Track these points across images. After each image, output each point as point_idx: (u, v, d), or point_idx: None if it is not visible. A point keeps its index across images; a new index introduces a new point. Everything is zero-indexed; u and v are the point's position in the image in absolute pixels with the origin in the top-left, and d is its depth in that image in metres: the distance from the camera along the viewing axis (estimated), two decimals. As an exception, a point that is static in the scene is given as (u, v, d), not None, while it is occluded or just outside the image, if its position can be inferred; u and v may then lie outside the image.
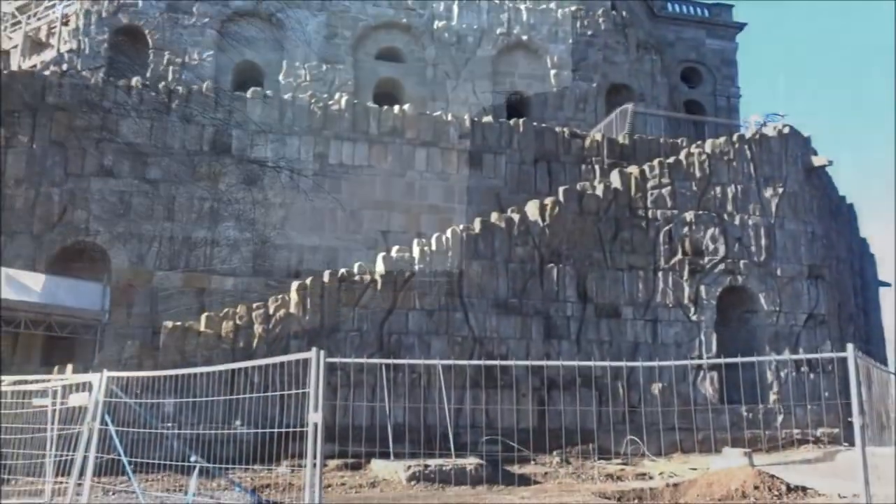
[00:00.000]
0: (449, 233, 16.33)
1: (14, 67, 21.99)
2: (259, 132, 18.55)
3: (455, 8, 26.56)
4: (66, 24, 24.68)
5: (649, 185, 18.14)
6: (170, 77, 23.00)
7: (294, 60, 24.68)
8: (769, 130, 20.12)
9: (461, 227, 16.67)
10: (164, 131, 18.10)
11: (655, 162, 18.59)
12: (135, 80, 18.63)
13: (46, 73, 18.82)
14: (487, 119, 20.59)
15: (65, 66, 22.12)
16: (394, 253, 16.04)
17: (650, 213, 17.97)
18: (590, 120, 25.92)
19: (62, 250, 17.18)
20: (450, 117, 20.05)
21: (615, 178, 18.18)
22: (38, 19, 26.20)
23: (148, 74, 22.69)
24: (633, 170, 18.41)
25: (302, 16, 25.07)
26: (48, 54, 24.16)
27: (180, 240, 17.53)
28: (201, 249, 17.59)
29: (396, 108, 19.95)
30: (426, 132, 19.61)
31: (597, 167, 20.28)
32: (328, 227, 18.48)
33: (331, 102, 19.48)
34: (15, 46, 25.36)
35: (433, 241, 16.23)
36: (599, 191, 17.76)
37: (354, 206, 18.71)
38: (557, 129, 21.05)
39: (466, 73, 25.98)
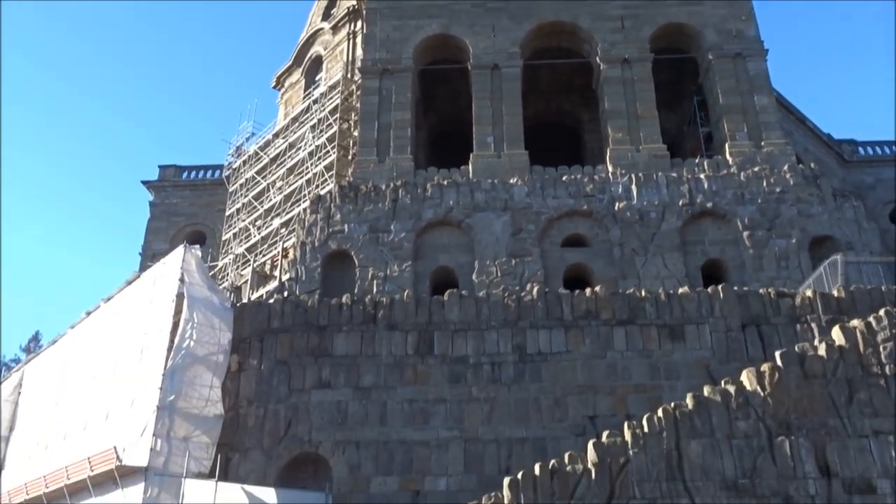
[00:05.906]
0: (660, 412, 15.51)
1: (244, 300, 24.97)
2: (458, 331, 19.29)
3: (633, 188, 27.07)
4: (285, 256, 28.04)
5: (879, 338, 16.38)
6: (374, 290, 24.97)
7: (485, 259, 25.96)
8: None
9: (672, 405, 15.81)
10: (372, 341, 19.35)
11: (882, 312, 16.87)
12: (345, 298, 20.38)
13: (271, 301, 21.17)
14: (684, 290, 20.06)
15: (286, 294, 24.80)
16: (604, 439, 15.41)
17: (887, 368, 16.06)
18: (795, 277, 24.45)
19: (289, 462, 18.25)
20: (644, 293, 19.78)
21: (837, 336, 16.66)
22: (263, 256, 30.01)
23: (356, 290, 24.78)
24: (857, 323, 16.81)
25: (487, 219, 26.69)
26: (272, 285, 27.32)
27: (394, 443, 18.05)
28: (414, 451, 17.94)
29: (588, 290, 20.07)
30: (622, 311, 19.38)
31: (814, 325, 18.79)
32: (533, 417, 18.25)
33: (523, 294, 20.02)
34: (245, 282, 28.99)
35: (644, 422, 15.44)
36: (822, 351, 16.28)
37: (558, 394, 18.45)
38: (762, 290, 20.01)
39: (654, 248, 25.86)
